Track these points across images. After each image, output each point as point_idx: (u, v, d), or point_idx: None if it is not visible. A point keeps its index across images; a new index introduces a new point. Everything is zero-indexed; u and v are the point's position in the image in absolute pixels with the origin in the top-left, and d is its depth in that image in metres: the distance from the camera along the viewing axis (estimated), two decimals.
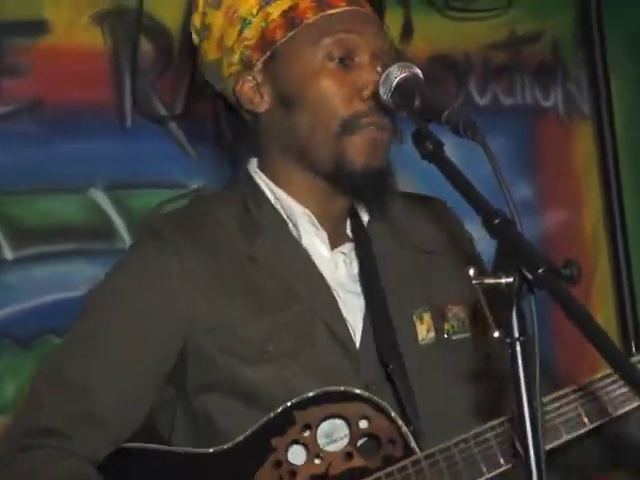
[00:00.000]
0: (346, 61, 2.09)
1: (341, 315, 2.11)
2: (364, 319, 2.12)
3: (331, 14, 2.10)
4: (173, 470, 2.06)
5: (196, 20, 2.22)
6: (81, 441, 2.03)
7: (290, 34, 2.11)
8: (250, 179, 2.19)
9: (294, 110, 2.12)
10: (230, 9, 2.15)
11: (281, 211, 2.17)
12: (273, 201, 2.17)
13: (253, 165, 2.21)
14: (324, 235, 2.15)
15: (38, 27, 3.16)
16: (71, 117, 3.16)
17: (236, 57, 2.17)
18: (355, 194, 2.14)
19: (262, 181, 2.19)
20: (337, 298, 2.12)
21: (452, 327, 2.16)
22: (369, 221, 2.18)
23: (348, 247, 2.17)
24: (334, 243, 2.16)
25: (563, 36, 3.70)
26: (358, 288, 2.16)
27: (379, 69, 2.07)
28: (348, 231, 2.20)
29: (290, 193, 2.16)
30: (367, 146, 2.07)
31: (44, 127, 3.15)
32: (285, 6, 2.12)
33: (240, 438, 2.01)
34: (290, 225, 2.15)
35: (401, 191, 2.30)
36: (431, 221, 2.25)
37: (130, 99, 3.24)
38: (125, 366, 2.08)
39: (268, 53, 2.14)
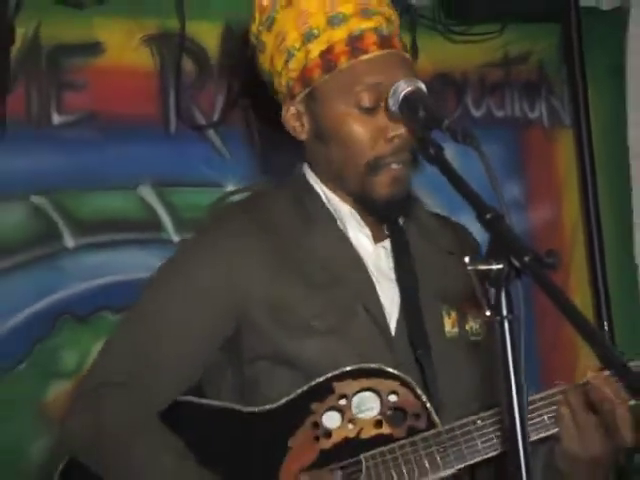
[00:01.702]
0: (374, 108, 2.03)
1: (379, 301, 2.07)
2: (399, 307, 2.09)
3: (362, 60, 2.03)
4: (220, 423, 2.04)
5: (253, 30, 2.16)
6: (145, 394, 2.01)
7: (326, 77, 2.05)
8: (305, 180, 2.14)
9: (329, 144, 2.08)
10: (279, 36, 2.09)
11: (332, 210, 2.12)
12: (324, 199, 2.13)
13: (306, 168, 2.16)
14: (368, 231, 2.12)
15: (94, 49, 3.14)
16: (123, 125, 3.14)
17: (283, 81, 2.11)
18: (379, 218, 2.11)
19: (315, 183, 2.14)
20: (376, 286, 2.08)
21: (471, 328, 2.13)
22: (404, 222, 2.15)
23: (387, 243, 2.13)
24: (376, 238, 2.12)
25: (548, 58, 3.66)
26: (394, 279, 2.11)
27: None
28: (385, 230, 2.15)
29: (337, 194, 2.12)
30: (390, 183, 2.04)
31: (100, 134, 3.12)
32: (323, 47, 2.05)
33: (283, 401, 1.99)
34: (339, 222, 2.11)
35: (428, 209, 2.27)
36: (455, 233, 2.24)
37: (174, 110, 3.21)
38: (186, 332, 2.05)
39: (307, 90, 2.08)
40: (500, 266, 1.56)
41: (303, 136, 2.12)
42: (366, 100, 2.02)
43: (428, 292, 2.10)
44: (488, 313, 1.59)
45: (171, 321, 2.07)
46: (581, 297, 3.51)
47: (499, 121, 3.57)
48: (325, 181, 2.14)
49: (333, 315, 2.03)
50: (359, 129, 2.03)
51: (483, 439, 1.94)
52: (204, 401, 2.07)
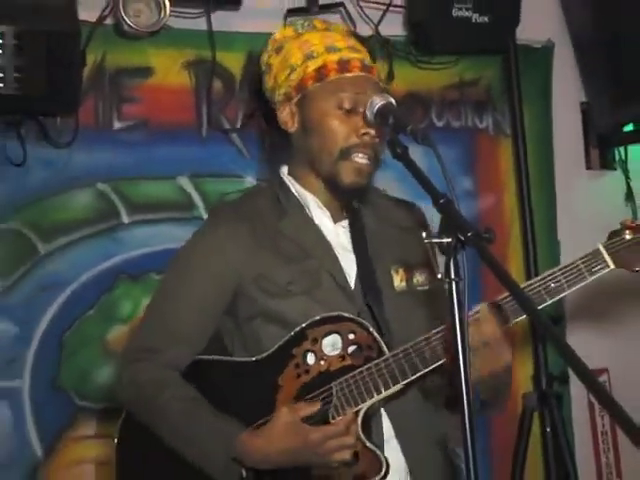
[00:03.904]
0: (351, 111, 2.03)
1: (341, 267, 2.05)
2: (356, 270, 2.06)
3: (347, 77, 2.04)
4: (229, 372, 2.03)
5: (264, 58, 2.16)
6: (170, 356, 2.03)
7: (317, 84, 2.05)
8: (281, 179, 2.14)
9: (311, 135, 2.06)
10: (285, 57, 2.10)
11: (300, 200, 2.10)
12: (296, 194, 2.11)
13: (284, 170, 2.15)
14: (328, 213, 2.09)
15: (146, 72, 3.15)
16: (167, 130, 3.15)
17: (282, 91, 2.10)
18: (339, 198, 2.08)
19: (289, 181, 2.13)
20: (338, 256, 2.07)
21: (418, 281, 2.08)
22: (359, 206, 2.12)
23: (345, 222, 2.11)
24: (335, 219, 2.10)
25: (493, 82, 3.56)
26: (351, 250, 2.09)
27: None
28: (344, 212, 2.13)
29: (306, 188, 2.10)
30: (354, 171, 2.02)
31: (149, 137, 3.14)
32: (319, 64, 2.05)
33: (273, 349, 1.99)
34: (306, 210, 2.09)
35: (386, 194, 2.26)
36: (406, 211, 2.20)
37: (206, 119, 3.20)
38: (199, 303, 2.06)
39: (301, 94, 2.07)
40: (449, 240, 1.59)
41: (292, 129, 2.10)
42: (346, 103, 2.01)
43: (380, 258, 2.07)
44: (439, 276, 1.63)
45: (185, 295, 2.06)
46: (516, 266, 3.47)
47: (455, 130, 3.51)
48: (298, 173, 2.12)
49: (305, 281, 2.01)
50: (337, 124, 2.02)
51: (419, 357, 1.91)
52: (216, 357, 2.06)
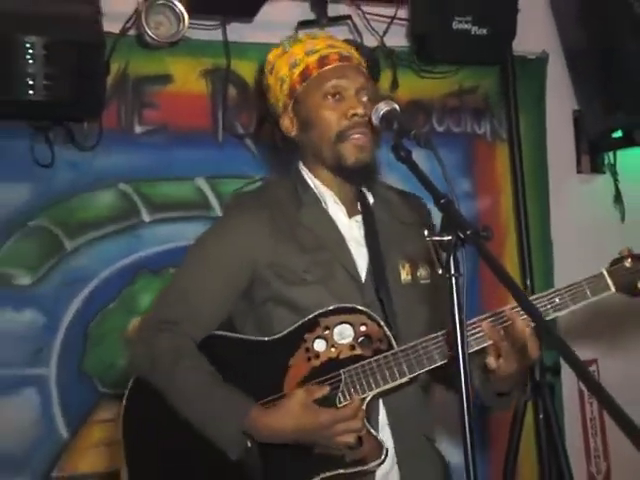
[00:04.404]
0: (337, 97, 2.05)
1: (353, 260, 2.05)
2: (367, 263, 2.06)
3: (327, 69, 2.07)
4: (243, 349, 2.03)
5: (263, 81, 2.20)
6: (188, 329, 2.02)
7: (304, 84, 2.08)
8: (299, 172, 2.14)
9: (310, 131, 2.08)
10: (276, 73, 2.13)
11: (317, 194, 2.10)
12: (313, 187, 2.11)
13: (300, 164, 2.15)
14: (343, 208, 2.10)
15: (166, 79, 3.16)
16: (185, 134, 3.16)
17: (280, 103, 2.13)
18: (350, 180, 2.08)
19: (306, 174, 2.13)
20: (351, 249, 2.07)
21: (421, 274, 2.08)
22: (373, 202, 2.13)
23: (359, 217, 2.11)
24: (350, 214, 2.10)
25: (491, 91, 3.57)
26: (364, 244, 2.09)
27: (365, 98, 2.06)
28: (358, 207, 2.13)
29: (322, 182, 2.10)
30: (354, 148, 2.03)
31: (168, 140, 3.15)
32: (301, 68, 2.08)
33: (285, 332, 1.99)
34: (322, 202, 2.10)
35: (395, 187, 2.25)
36: (411, 206, 2.19)
37: (221, 124, 3.21)
38: (216, 283, 2.06)
39: (293, 99, 2.10)
40: (450, 237, 1.60)
41: (294, 133, 2.12)
42: (330, 90, 2.04)
43: (390, 252, 2.07)
44: (440, 271, 1.63)
45: (205, 275, 2.06)
46: (511, 262, 3.48)
47: (455, 135, 3.52)
48: (312, 169, 2.12)
49: (318, 270, 2.01)
50: (328, 112, 2.04)
51: (438, 351, 1.93)
52: (231, 334, 2.06)
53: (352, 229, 2.10)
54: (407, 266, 2.08)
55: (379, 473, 1.97)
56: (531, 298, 1.95)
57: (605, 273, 1.97)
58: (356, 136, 2.03)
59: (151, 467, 2.00)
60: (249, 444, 1.92)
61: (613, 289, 1.97)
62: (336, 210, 2.10)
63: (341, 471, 1.91)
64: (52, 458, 2.93)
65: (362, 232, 2.10)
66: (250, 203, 2.10)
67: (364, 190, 2.14)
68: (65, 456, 2.95)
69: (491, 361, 1.90)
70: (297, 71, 2.09)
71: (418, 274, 2.09)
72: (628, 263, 1.97)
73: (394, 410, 2.02)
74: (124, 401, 2.02)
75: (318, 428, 1.88)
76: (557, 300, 1.94)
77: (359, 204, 2.12)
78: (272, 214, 2.06)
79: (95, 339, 3.01)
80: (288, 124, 2.13)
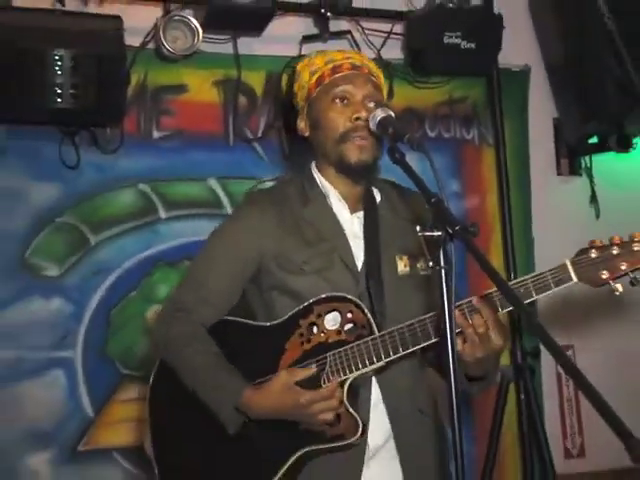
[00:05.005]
0: (345, 101, 2.05)
1: (351, 252, 2.05)
2: (364, 256, 2.05)
3: (338, 76, 2.08)
4: (247, 332, 2.05)
5: (292, 88, 2.21)
6: (200, 314, 2.06)
7: (318, 89, 2.10)
8: (309, 171, 2.15)
9: (318, 130, 2.10)
10: (301, 81, 2.15)
11: (323, 191, 2.11)
12: (320, 185, 2.12)
13: (313, 164, 2.16)
14: (346, 205, 2.10)
15: (181, 89, 3.21)
16: (199, 139, 3.21)
17: (299, 107, 2.16)
18: (353, 178, 2.08)
19: (315, 173, 2.13)
20: (350, 242, 2.06)
21: (421, 266, 2.04)
22: (380, 200, 2.13)
23: (361, 214, 2.10)
24: (352, 210, 2.10)
25: (478, 100, 3.60)
26: (362, 238, 2.08)
27: (371, 104, 2.05)
28: (362, 204, 2.12)
29: (328, 181, 2.11)
30: (356, 149, 2.03)
31: (183, 145, 3.20)
32: (318, 75, 2.10)
33: (284, 318, 2.01)
34: (327, 200, 2.10)
35: (399, 185, 2.22)
36: (414, 203, 2.15)
37: (232, 129, 3.26)
38: (227, 272, 2.08)
39: (308, 102, 2.13)
40: (440, 233, 1.61)
41: (307, 133, 2.13)
42: (338, 94, 2.05)
43: (388, 246, 2.07)
44: (431, 264, 1.62)
45: (217, 264, 2.08)
46: (497, 257, 3.48)
47: (446, 140, 3.55)
48: (320, 168, 2.12)
49: (318, 262, 2.02)
50: (334, 115, 2.05)
51: (412, 337, 1.90)
52: (239, 319, 2.07)
53: (353, 224, 2.11)
54: (405, 258, 2.08)
55: (372, 446, 1.99)
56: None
57: (568, 264, 1.87)
58: (358, 139, 2.04)
59: (174, 443, 2.04)
60: (246, 420, 1.96)
61: (575, 279, 1.86)
62: (339, 206, 2.11)
63: (322, 446, 1.93)
64: (78, 433, 2.99)
65: (362, 227, 2.10)
66: (261, 200, 2.13)
67: (373, 189, 2.15)
68: (90, 431, 3.01)
69: (457, 344, 1.84)
70: (314, 78, 2.12)
71: (418, 266, 2.07)
72: (593, 253, 1.87)
73: (385, 387, 2.02)
74: (150, 381, 2.07)
75: (298, 407, 1.91)
76: (522, 290, 1.86)
77: (364, 201, 2.12)
78: (280, 210, 2.09)
79: (117, 325, 3.06)
80: (303, 125, 2.15)
